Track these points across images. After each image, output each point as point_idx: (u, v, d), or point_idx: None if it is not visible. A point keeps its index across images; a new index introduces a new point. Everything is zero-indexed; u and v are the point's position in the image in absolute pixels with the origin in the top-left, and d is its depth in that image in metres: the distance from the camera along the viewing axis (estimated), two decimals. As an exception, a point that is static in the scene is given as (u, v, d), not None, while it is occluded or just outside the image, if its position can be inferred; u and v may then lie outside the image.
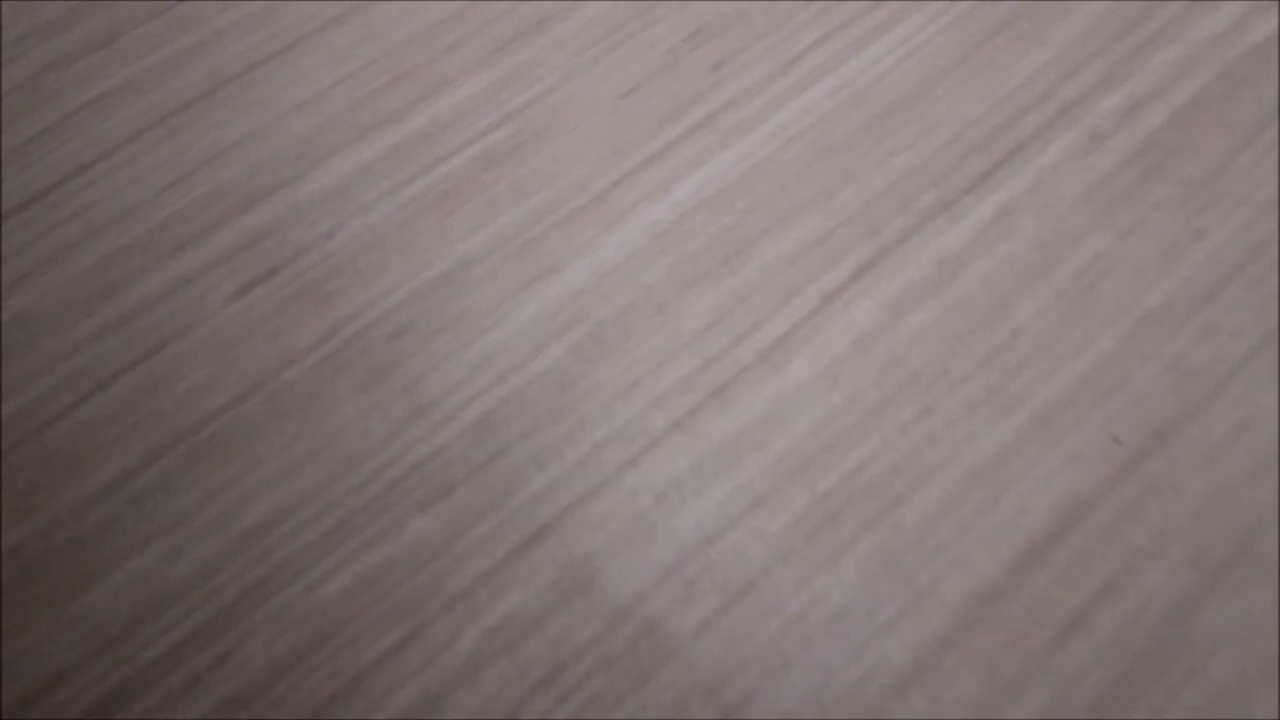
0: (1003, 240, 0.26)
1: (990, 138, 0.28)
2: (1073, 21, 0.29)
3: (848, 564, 0.23)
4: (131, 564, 0.23)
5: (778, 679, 0.22)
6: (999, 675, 0.22)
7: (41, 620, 0.22)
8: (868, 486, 0.24)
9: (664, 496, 0.24)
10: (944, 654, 0.22)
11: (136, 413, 0.24)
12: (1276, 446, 0.24)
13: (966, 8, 0.29)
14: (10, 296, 0.25)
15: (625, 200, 0.27)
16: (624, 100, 0.28)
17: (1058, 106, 0.28)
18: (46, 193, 0.27)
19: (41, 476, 0.24)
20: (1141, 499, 0.23)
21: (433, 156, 0.27)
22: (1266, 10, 0.29)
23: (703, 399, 0.24)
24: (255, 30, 0.29)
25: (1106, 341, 0.25)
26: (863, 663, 0.22)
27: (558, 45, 0.29)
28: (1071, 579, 0.23)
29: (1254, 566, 0.23)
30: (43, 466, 0.24)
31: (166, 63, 0.28)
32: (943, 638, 0.22)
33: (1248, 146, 0.27)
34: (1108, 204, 0.27)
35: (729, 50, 0.29)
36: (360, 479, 0.24)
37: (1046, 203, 0.27)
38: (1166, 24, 0.29)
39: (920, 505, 0.23)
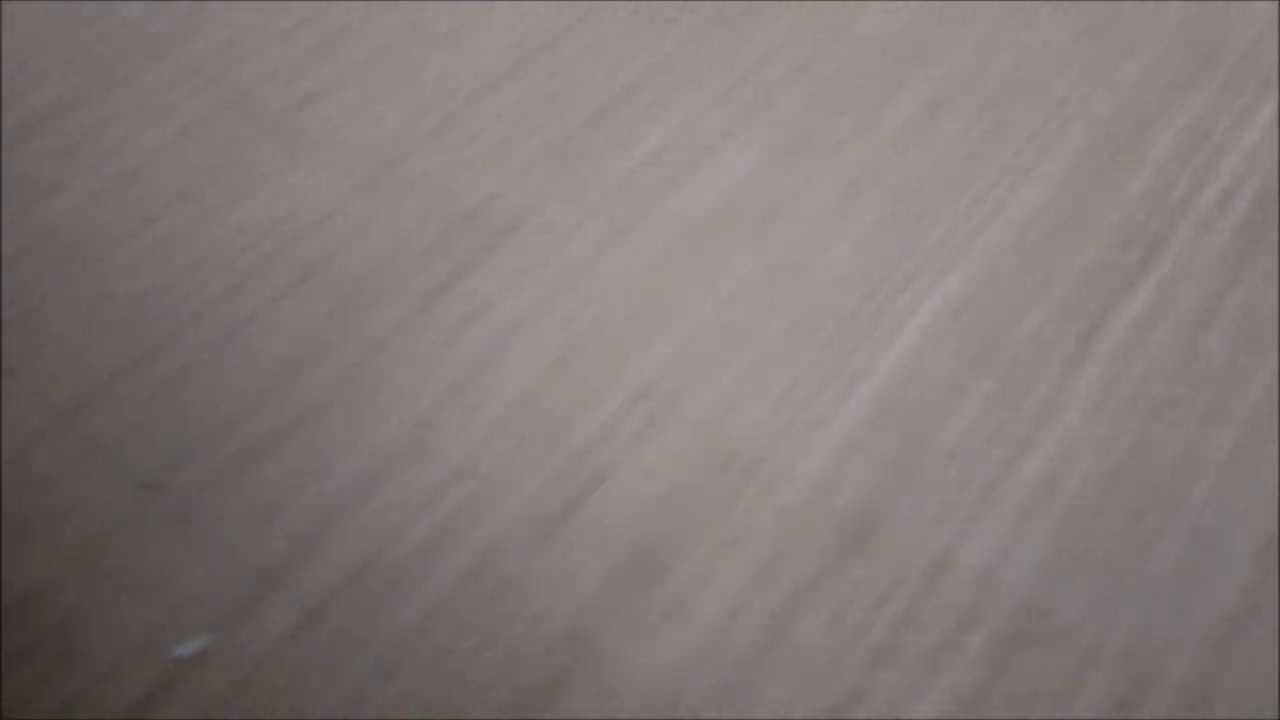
0: (1176, 297, 0.36)
1: (1136, 235, 0.38)
2: (1160, 141, 0.40)
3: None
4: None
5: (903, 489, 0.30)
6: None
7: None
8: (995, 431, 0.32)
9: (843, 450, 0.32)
10: (1024, 523, 0.30)
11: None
12: None
13: (1074, 151, 0.40)
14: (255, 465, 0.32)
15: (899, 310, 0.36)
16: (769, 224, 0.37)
17: (1171, 206, 0.38)
18: (301, 421, 0.34)
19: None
20: None
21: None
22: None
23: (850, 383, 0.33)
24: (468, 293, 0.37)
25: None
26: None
27: (622, 179, 0.38)
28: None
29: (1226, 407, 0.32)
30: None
31: (366, 295, 0.36)
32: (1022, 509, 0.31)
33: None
34: (1235, 261, 0.37)
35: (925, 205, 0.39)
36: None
37: (1194, 269, 0.37)
38: (1222, 134, 0.40)
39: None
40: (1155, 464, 0.33)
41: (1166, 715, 0.28)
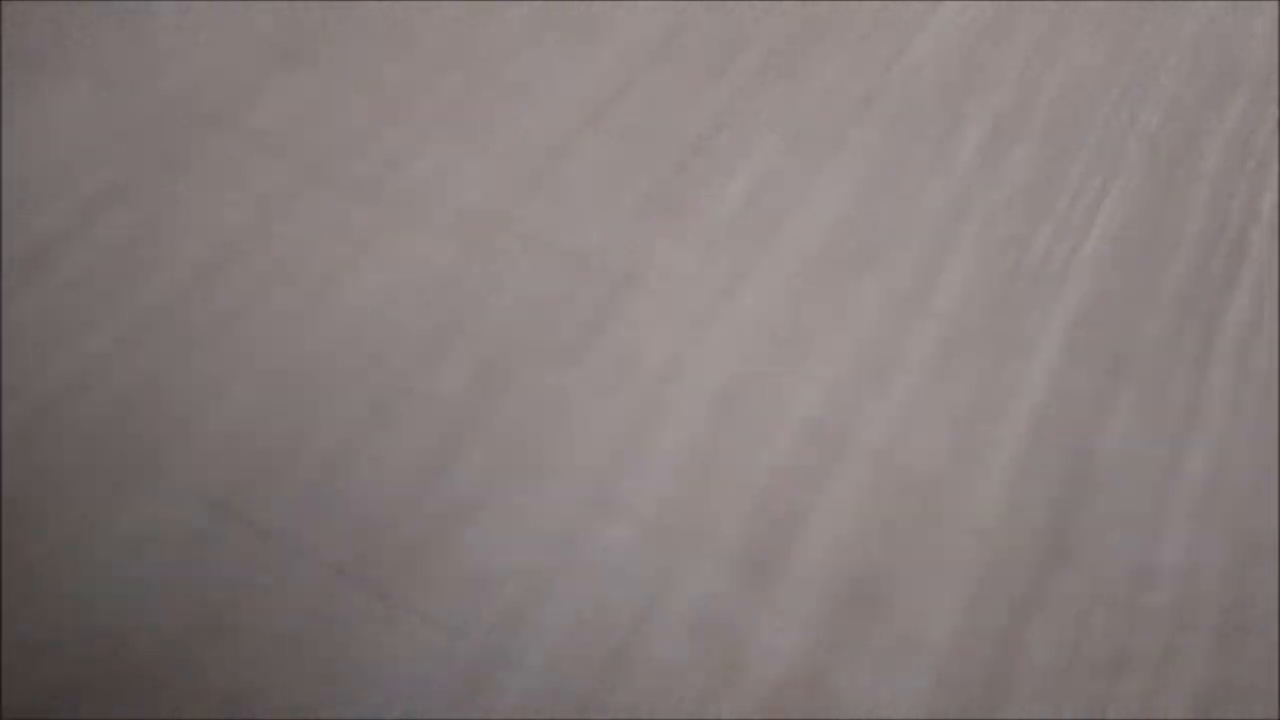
0: (1273, 297, 0.38)
1: (1217, 241, 0.39)
2: (1210, 152, 0.42)
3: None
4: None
5: None
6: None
7: None
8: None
9: (1017, 468, 0.32)
10: (1202, 522, 0.32)
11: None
12: None
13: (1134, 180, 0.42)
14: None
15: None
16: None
17: (1241, 212, 0.40)
18: (478, 490, 0.33)
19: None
20: None
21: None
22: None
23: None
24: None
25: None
26: None
27: (725, 223, 0.38)
28: None
29: None
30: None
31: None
32: None
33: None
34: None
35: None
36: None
37: (1283, 269, 0.39)
38: (1264, 140, 0.43)
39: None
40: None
41: (1388, 688, 0.30)
